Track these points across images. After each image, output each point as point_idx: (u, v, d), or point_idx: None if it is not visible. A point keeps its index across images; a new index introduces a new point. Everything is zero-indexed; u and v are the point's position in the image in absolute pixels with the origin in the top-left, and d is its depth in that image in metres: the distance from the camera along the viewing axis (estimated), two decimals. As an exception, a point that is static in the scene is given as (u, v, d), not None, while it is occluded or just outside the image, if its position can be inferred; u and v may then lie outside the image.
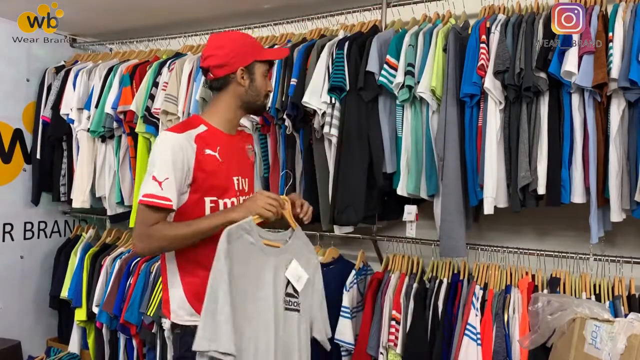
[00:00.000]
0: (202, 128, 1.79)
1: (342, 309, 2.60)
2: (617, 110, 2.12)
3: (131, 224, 3.20)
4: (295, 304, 1.78)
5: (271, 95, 2.12)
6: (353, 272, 2.70)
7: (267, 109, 2.26)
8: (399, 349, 2.46)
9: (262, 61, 1.86)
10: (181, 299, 1.78)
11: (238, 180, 1.87)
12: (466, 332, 2.31)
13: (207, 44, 1.92)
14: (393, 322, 2.48)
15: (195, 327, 1.62)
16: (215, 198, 1.79)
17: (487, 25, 2.33)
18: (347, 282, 2.65)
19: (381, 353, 2.51)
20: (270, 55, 1.94)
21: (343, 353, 2.64)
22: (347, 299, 2.61)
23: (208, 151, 1.77)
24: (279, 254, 1.76)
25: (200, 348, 1.57)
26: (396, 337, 2.46)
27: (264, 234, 1.74)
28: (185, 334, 1.74)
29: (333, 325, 2.59)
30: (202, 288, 1.63)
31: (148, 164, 1.75)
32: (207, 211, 1.77)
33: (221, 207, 1.79)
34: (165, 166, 1.68)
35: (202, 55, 1.87)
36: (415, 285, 2.54)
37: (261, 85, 1.86)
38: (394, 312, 2.49)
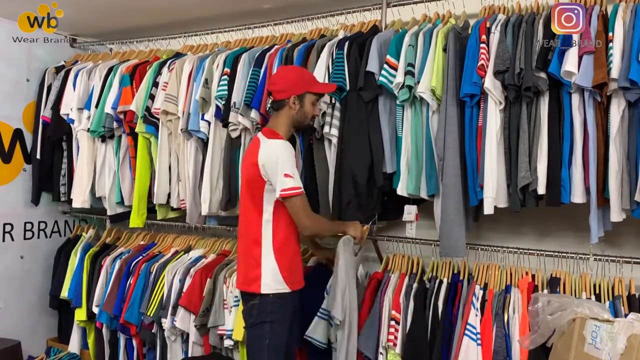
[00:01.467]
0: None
1: (321, 310, 2.51)
2: (617, 110, 2.12)
3: (131, 224, 3.21)
4: None
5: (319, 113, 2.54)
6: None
7: (312, 125, 2.60)
8: (398, 349, 2.45)
9: (312, 92, 2.36)
10: (275, 272, 2.26)
11: None
12: (466, 332, 2.31)
13: (275, 73, 2.60)
14: (392, 322, 2.47)
15: (282, 293, 2.26)
16: None
17: (487, 25, 2.33)
18: (328, 286, 2.55)
19: (381, 353, 2.50)
20: (319, 89, 2.41)
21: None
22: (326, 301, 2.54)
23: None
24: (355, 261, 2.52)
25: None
26: (395, 337, 2.45)
27: (351, 247, 2.47)
28: (267, 300, 2.25)
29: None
30: (290, 264, 2.30)
31: (274, 164, 2.21)
32: None
33: None
34: (292, 164, 2.24)
35: (269, 81, 2.51)
36: (415, 285, 2.54)
37: (309, 110, 2.37)
38: (393, 312, 2.49)
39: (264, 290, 2.26)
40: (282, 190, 2.20)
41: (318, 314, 2.53)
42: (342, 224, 2.48)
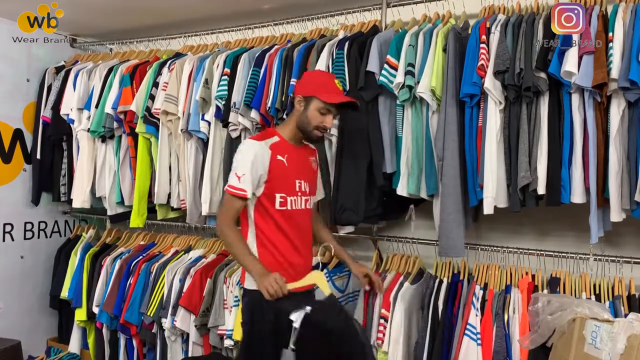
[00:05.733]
0: (275, 138, 2.23)
1: None
2: (617, 110, 2.12)
3: (131, 224, 3.21)
4: None
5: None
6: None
7: (317, 140, 2.32)
8: (385, 347, 2.44)
9: (320, 100, 2.18)
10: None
11: (300, 183, 2.27)
12: (466, 332, 2.31)
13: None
14: (382, 321, 2.47)
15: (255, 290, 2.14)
16: (284, 195, 2.21)
17: (487, 25, 2.33)
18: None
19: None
20: (326, 97, 2.18)
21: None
22: None
23: (279, 157, 2.20)
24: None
25: None
26: (384, 335, 2.45)
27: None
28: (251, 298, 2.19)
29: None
30: (274, 259, 2.19)
31: (234, 160, 2.18)
32: (277, 204, 2.21)
33: (289, 203, 2.23)
34: (247, 166, 2.13)
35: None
36: (406, 283, 2.53)
37: (312, 116, 2.20)
38: (383, 310, 2.48)
39: (247, 285, 2.21)
40: (226, 185, 2.20)
41: None
42: (252, 266, 2.13)
